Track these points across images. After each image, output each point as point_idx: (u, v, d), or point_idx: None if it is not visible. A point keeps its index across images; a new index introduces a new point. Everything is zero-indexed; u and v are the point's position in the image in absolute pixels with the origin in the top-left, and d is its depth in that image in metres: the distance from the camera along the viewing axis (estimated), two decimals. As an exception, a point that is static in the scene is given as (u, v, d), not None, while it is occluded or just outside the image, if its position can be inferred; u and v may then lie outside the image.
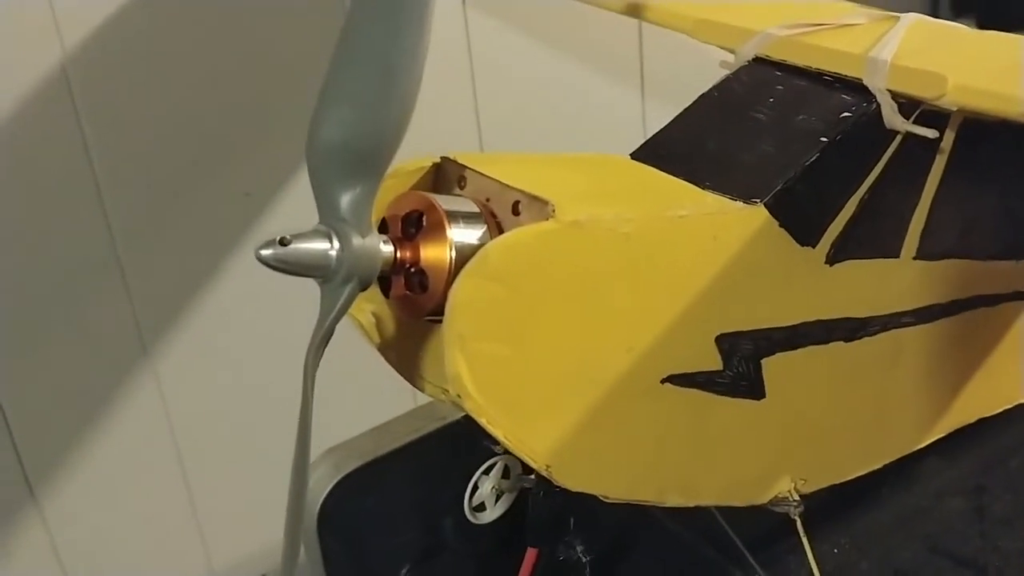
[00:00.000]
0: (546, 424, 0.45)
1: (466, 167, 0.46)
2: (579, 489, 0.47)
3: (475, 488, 0.63)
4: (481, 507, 0.63)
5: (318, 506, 0.73)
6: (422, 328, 0.48)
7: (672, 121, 0.53)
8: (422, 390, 0.50)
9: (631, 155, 0.52)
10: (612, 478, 0.48)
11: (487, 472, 0.63)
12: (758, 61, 0.53)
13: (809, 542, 0.57)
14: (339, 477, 0.73)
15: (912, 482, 0.66)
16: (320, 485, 0.73)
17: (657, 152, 0.51)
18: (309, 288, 0.94)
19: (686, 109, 0.53)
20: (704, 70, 1.09)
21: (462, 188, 0.46)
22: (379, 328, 0.48)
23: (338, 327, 0.44)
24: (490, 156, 0.47)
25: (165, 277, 0.90)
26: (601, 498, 0.49)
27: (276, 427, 0.98)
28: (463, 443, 0.72)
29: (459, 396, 0.42)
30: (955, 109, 0.47)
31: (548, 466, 0.45)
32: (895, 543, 0.63)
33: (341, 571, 0.73)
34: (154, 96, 0.84)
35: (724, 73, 0.54)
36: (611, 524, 0.60)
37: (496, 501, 0.63)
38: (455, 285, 0.41)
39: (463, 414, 0.75)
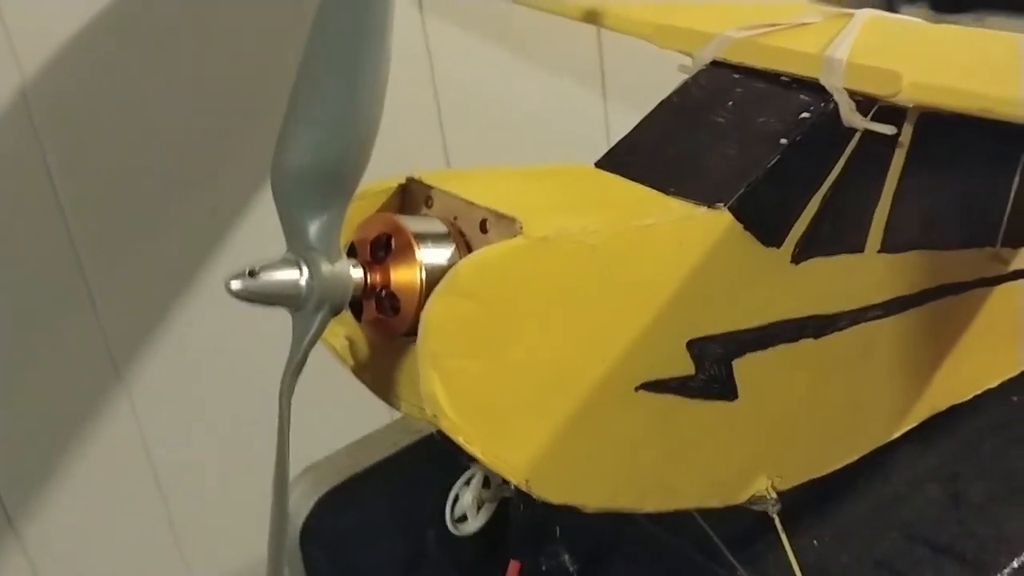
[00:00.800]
0: (522, 438, 0.45)
1: (432, 187, 0.46)
2: (559, 501, 0.48)
3: (456, 499, 0.63)
4: (463, 518, 0.63)
5: (300, 524, 0.73)
6: (395, 348, 0.48)
7: (634, 128, 0.53)
8: (398, 409, 0.50)
9: (596, 164, 0.52)
10: (591, 488, 0.49)
11: (467, 483, 0.63)
12: (716, 64, 0.54)
13: (788, 538, 0.57)
14: (319, 495, 0.73)
15: (887, 472, 0.67)
16: (300, 504, 0.73)
17: (620, 160, 0.52)
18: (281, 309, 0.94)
19: (648, 115, 0.53)
20: (665, 73, 1.10)
21: (429, 207, 0.46)
22: (352, 351, 0.48)
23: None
24: (456, 173, 0.47)
25: (134, 298, 0.89)
26: (581, 508, 0.49)
27: (253, 444, 0.97)
28: (441, 455, 0.72)
29: (435, 416, 0.42)
30: (911, 105, 0.48)
31: (527, 480, 0.46)
32: (873, 534, 0.63)
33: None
34: (116, 117, 0.84)
35: (683, 78, 0.54)
36: (594, 531, 0.60)
37: (478, 511, 0.63)
38: (427, 305, 0.41)
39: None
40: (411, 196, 0.47)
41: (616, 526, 0.63)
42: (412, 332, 0.43)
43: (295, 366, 0.41)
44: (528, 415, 0.45)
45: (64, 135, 0.82)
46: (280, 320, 0.95)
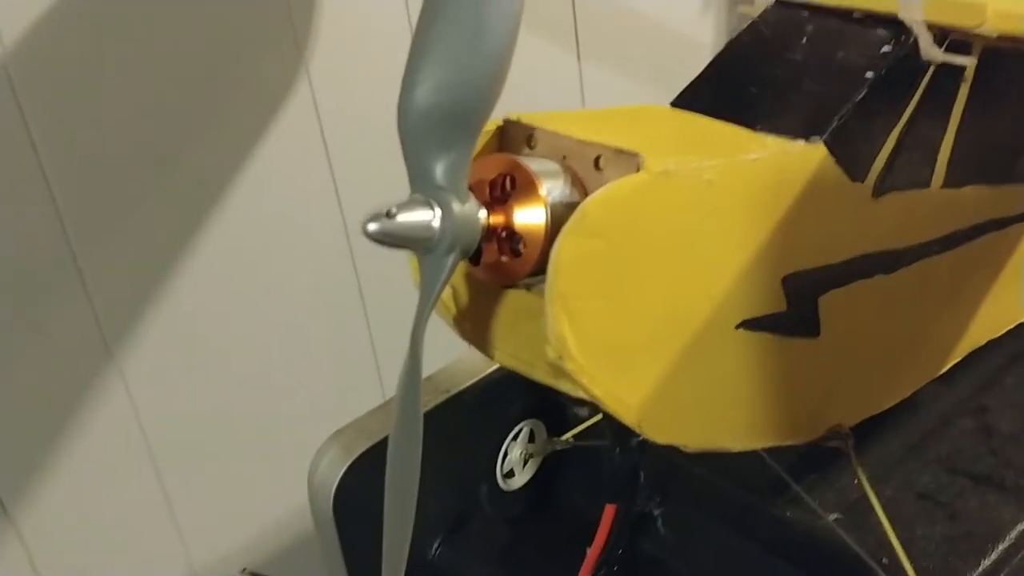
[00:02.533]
0: (638, 379, 0.45)
1: (535, 127, 0.45)
2: (664, 441, 0.48)
3: (504, 455, 0.63)
4: (510, 473, 0.63)
5: (332, 490, 0.71)
6: (495, 296, 0.47)
7: (706, 69, 0.53)
8: (492, 358, 0.49)
9: (671, 103, 0.52)
10: (692, 428, 0.49)
11: (515, 438, 0.63)
12: (781, 4, 0.54)
13: (831, 475, 0.59)
14: (351, 459, 0.71)
15: (915, 410, 0.68)
16: (332, 469, 0.72)
17: (699, 100, 0.51)
18: (272, 274, 0.92)
19: (718, 56, 0.53)
20: (638, 34, 1.10)
21: (532, 148, 0.46)
22: (455, 300, 0.47)
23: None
24: (551, 115, 0.46)
25: (124, 273, 0.87)
26: (681, 448, 0.49)
27: (249, 421, 0.96)
28: (474, 414, 0.72)
29: (560, 357, 0.42)
30: (995, 36, 0.49)
31: (640, 421, 0.45)
32: (912, 468, 0.64)
33: (362, 555, 0.72)
34: (100, 90, 0.81)
35: (748, 19, 0.54)
36: (662, 477, 0.61)
37: (524, 466, 0.63)
38: (557, 245, 0.40)
39: (466, 385, 0.75)
40: (510, 139, 0.46)
41: (676, 472, 0.63)
42: (533, 274, 0.42)
43: (427, 312, 0.40)
44: (643, 355, 0.44)
45: (47, 110, 0.79)
46: (271, 289, 0.94)
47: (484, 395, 0.65)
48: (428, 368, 0.79)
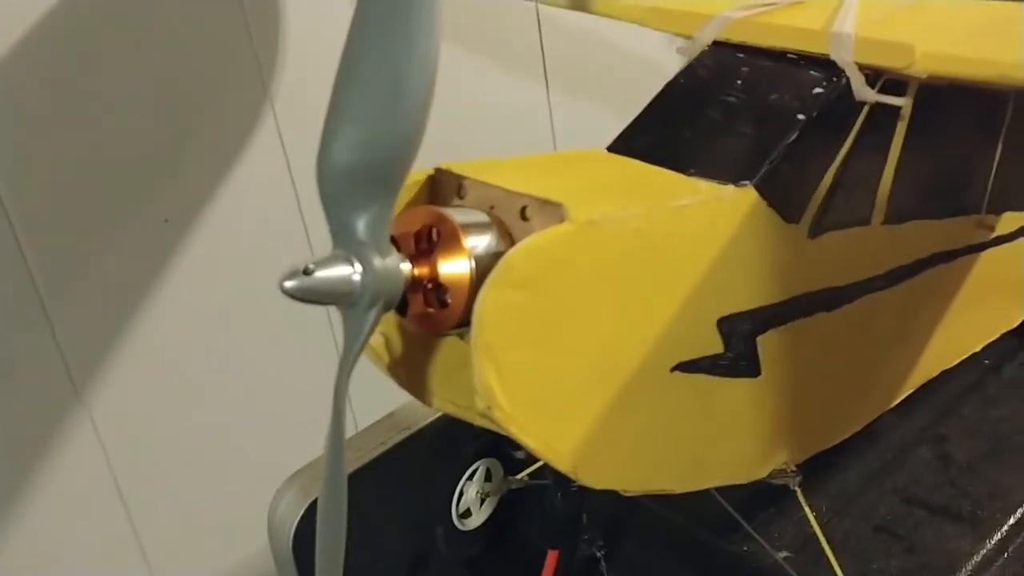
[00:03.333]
0: (570, 426, 0.45)
1: (464, 176, 0.45)
2: (602, 487, 0.48)
3: (460, 494, 0.63)
4: (467, 513, 0.63)
5: (292, 531, 0.71)
6: (429, 344, 0.47)
7: (642, 112, 0.53)
8: (430, 405, 0.49)
9: (608, 148, 0.52)
10: (631, 472, 0.49)
11: (471, 478, 0.63)
12: (718, 45, 0.54)
13: (789, 511, 0.59)
14: (309, 501, 0.71)
15: (874, 439, 0.68)
16: (290, 510, 0.72)
17: (634, 144, 0.52)
18: (238, 312, 0.92)
19: (654, 99, 0.53)
20: (605, 60, 1.11)
21: (462, 198, 0.46)
22: (388, 348, 0.48)
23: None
24: (484, 163, 0.47)
25: (90, 313, 0.87)
26: (621, 493, 0.49)
27: (216, 456, 0.96)
28: (432, 453, 0.72)
29: (488, 407, 0.42)
30: (924, 76, 0.49)
31: (575, 468, 0.45)
32: (870, 500, 0.64)
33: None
34: (63, 131, 0.82)
35: (683, 60, 0.55)
36: (609, 518, 0.61)
37: (481, 505, 0.63)
38: (480, 296, 0.41)
39: (427, 422, 0.75)
40: (440, 188, 0.47)
41: (627, 511, 0.63)
42: (460, 325, 0.43)
43: (349, 365, 0.40)
44: (575, 402, 0.44)
45: (10, 152, 0.79)
46: (239, 326, 0.94)
47: (442, 434, 0.65)
48: (390, 405, 0.80)
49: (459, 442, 0.64)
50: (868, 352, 0.58)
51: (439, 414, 0.77)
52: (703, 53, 0.54)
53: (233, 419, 0.96)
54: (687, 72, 0.54)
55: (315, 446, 0.76)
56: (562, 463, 0.45)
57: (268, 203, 0.94)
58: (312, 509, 0.71)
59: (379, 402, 0.73)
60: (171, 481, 0.93)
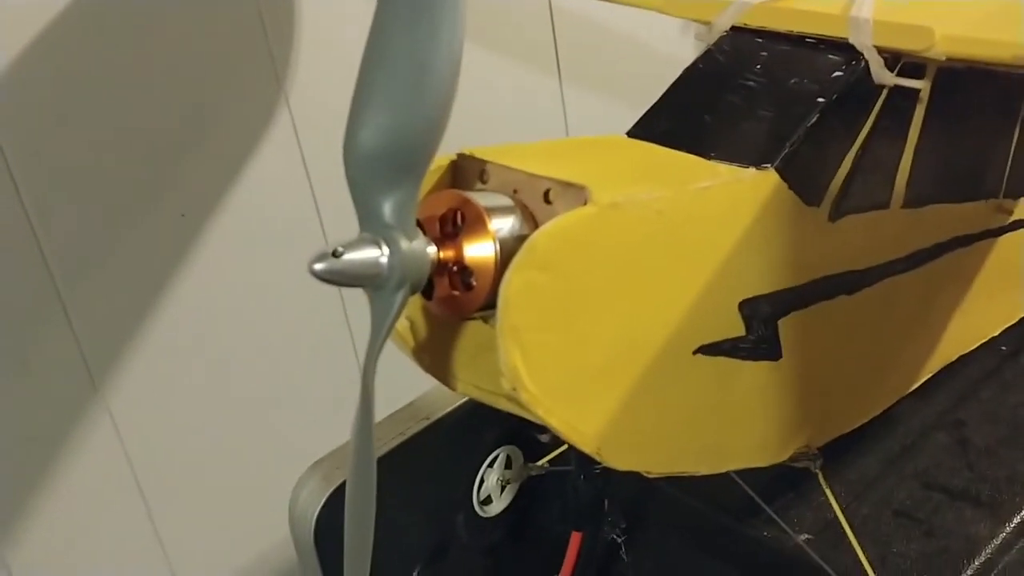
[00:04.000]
0: (594, 407, 0.45)
1: (487, 161, 0.46)
2: (625, 468, 0.48)
3: (481, 481, 0.63)
4: (487, 500, 0.63)
5: (313, 521, 0.72)
6: (454, 328, 0.48)
7: (661, 97, 0.54)
8: (454, 389, 0.50)
9: (627, 133, 0.53)
10: (654, 453, 0.49)
11: (491, 465, 0.63)
12: (736, 30, 0.54)
13: (809, 495, 0.59)
14: (331, 489, 0.72)
15: (893, 424, 0.68)
16: (311, 500, 0.72)
17: (654, 129, 0.52)
18: (255, 306, 0.93)
19: (673, 84, 0.54)
20: (617, 54, 1.11)
21: (484, 183, 0.46)
22: (413, 332, 0.48)
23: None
24: (506, 148, 0.47)
25: (108, 307, 0.87)
26: (644, 474, 0.49)
27: (234, 452, 0.96)
28: (451, 441, 0.72)
29: (515, 388, 0.42)
30: (943, 59, 0.49)
31: (598, 449, 0.46)
32: (889, 484, 0.65)
33: (344, 583, 0.72)
34: (80, 125, 0.82)
35: (700, 47, 0.55)
36: (630, 502, 0.61)
37: (501, 492, 0.64)
38: (506, 279, 0.41)
39: (445, 412, 0.75)
40: (463, 173, 0.47)
41: (647, 496, 0.63)
42: (485, 307, 0.43)
43: (378, 347, 0.41)
44: (599, 384, 0.45)
45: (28, 146, 0.80)
46: (255, 321, 0.94)
47: (461, 422, 0.66)
48: (409, 395, 0.80)
49: (479, 430, 0.65)
50: (888, 336, 0.59)
51: (458, 403, 0.78)
52: (721, 38, 0.54)
53: (251, 411, 0.96)
54: (706, 57, 0.54)
55: (334, 436, 0.77)
56: (586, 444, 0.45)
57: (283, 198, 0.94)
58: (334, 497, 0.72)
59: (395, 393, 0.73)
60: (190, 474, 0.93)
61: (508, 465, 0.65)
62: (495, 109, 1.05)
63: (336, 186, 0.95)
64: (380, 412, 0.81)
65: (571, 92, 1.11)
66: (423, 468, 0.70)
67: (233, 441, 0.96)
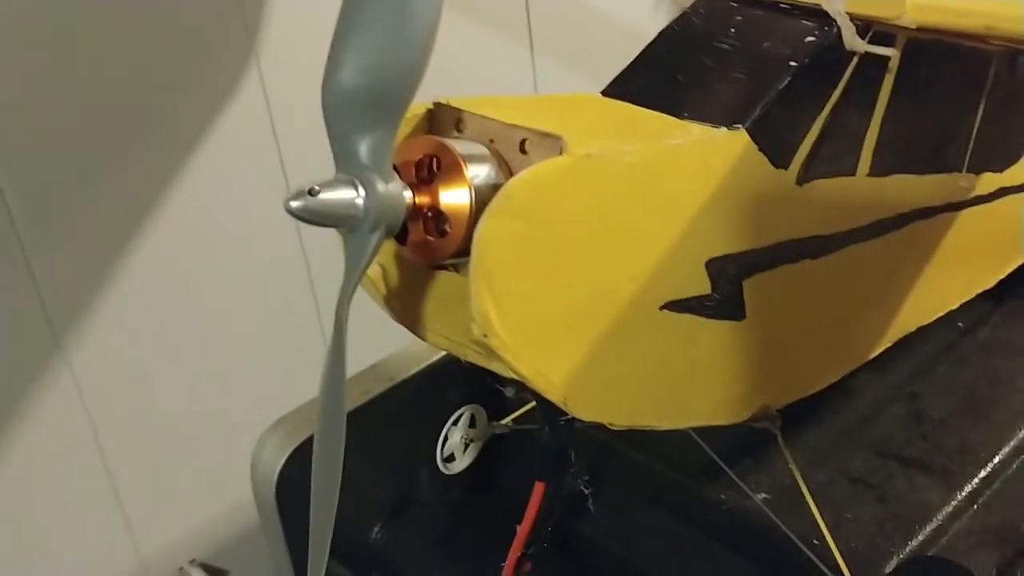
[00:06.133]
0: (562, 357, 0.46)
1: (463, 110, 0.46)
2: (589, 419, 0.49)
3: (445, 439, 0.64)
4: (451, 457, 0.64)
5: (275, 477, 0.72)
6: (425, 277, 0.48)
7: (636, 58, 0.54)
8: (424, 338, 0.50)
9: (602, 92, 0.53)
10: (618, 406, 0.50)
11: (456, 423, 0.64)
12: (712, -7, 0.55)
13: (767, 462, 0.60)
14: (294, 446, 0.72)
15: (849, 396, 0.69)
16: (274, 456, 0.73)
17: (628, 88, 0.52)
18: (219, 264, 0.93)
19: (648, 45, 0.54)
20: (590, 25, 1.11)
21: (460, 132, 0.47)
22: (384, 280, 0.48)
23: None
24: (480, 100, 0.47)
25: (72, 261, 0.87)
26: (608, 426, 0.50)
27: (195, 410, 0.96)
28: (416, 399, 0.73)
29: (485, 335, 0.43)
30: (913, 27, 0.50)
31: (565, 398, 0.46)
32: (845, 453, 0.66)
33: (305, 540, 0.72)
34: (49, 79, 0.81)
35: (678, 9, 0.55)
36: (592, 459, 0.62)
37: (465, 450, 0.64)
38: (480, 225, 0.41)
39: (410, 374, 0.76)
40: (439, 122, 0.47)
41: (606, 453, 0.64)
42: (458, 254, 0.43)
43: (351, 289, 0.41)
44: (568, 334, 0.45)
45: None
46: (220, 282, 0.94)
47: (426, 381, 0.66)
48: (373, 356, 0.81)
49: (444, 388, 0.65)
50: (849, 303, 0.60)
51: (423, 365, 0.78)
52: (697, 2, 0.55)
53: (214, 371, 0.96)
54: (681, 20, 0.54)
55: (296, 396, 0.77)
56: (553, 393, 0.46)
57: (251, 158, 0.94)
58: (296, 454, 0.72)
59: (360, 359, 0.74)
60: (149, 430, 0.93)
61: (472, 424, 0.65)
62: (465, 76, 1.05)
63: (303, 148, 0.95)
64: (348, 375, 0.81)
65: (542, 62, 1.11)
66: (387, 425, 0.70)
67: (194, 398, 0.95)
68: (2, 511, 0.87)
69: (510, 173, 0.44)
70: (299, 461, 0.72)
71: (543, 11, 1.08)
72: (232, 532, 1.01)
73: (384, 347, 0.78)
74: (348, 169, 0.40)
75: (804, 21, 0.51)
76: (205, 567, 0.98)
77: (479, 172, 0.43)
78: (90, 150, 0.85)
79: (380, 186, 0.40)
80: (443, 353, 0.79)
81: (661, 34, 0.54)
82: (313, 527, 0.45)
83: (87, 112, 0.83)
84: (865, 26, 0.52)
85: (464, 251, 0.43)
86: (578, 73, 1.13)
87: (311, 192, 0.39)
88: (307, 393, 0.77)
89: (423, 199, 0.43)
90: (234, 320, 0.96)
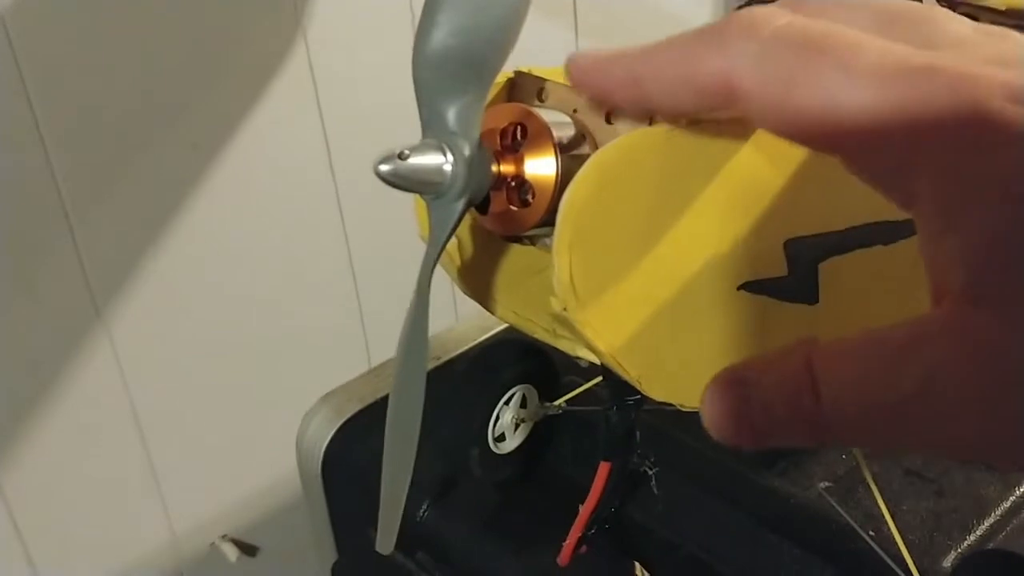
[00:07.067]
0: (638, 335, 0.45)
1: (546, 80, 0.45)
2: (661, 399, 0.48)
3: (496, 418, 0.63)
4: (501, 437, 0.64)
5: (321, 452, 0.71)
6: (498, 250, 0.47)
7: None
8: (493, 312, 0.49)
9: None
10: (690, 387, 0.49)
11: (507, 403, 0.63)
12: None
13: (830, 451, 0.59)
14: (341, 421, 0.72)
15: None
16: (321, 431, 0.72)
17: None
18: (261, 242, 0.92)
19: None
20: (635, 10, 1.11)
21: (542, 101, 0.46)
22: (460, 251, 0.47)
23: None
24: (560, 70, 0.46)
25: (115, 235, 0.87)
26: (678, 407, 0.49)
27: (233, 387, 0.96)
28: (468, 378, 0.72)
29: (566, 308, 0.42)
30: (1003, 9, 0.49)
31: (639, 377, 0.45)
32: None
33: (349, 516, 0.72)
34: (98, 46, 0.81)
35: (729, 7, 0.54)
36: (654, 443, 0.61)
37: (515, 430, 0.64)
38: (567, 196, 0.40)
39: (457, 353, 0.75)
40: (520, 91, 0.46)
41: (660, 439, 0.64)
42: (540, 225, 0.43)
43: (435, 255, 0.40)
44: (646, 312, 0.45)
45: (45, 69, 0.79)
46: (262, 256, 0.94)
47: (476, 361, 0.65)
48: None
49: (497, 368, 0.64)
50: (916, 291, 0.59)
51: (468, 345, 0.78)
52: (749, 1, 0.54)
53: (253, 346, 0.96)
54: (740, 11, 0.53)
55: (339, 374, 0.77)
56: (629, 371, 0.45)
57: (295, 133, 0.94)
58: (342, 430, 0.71)
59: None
60: (187, 408, 0.93)
61: (523, 404, 0.65)
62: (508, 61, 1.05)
63: (348, 122, 0.94)
64: (388, 354, 0.81)
65: (586, 45, 1.11)
66: (435, 405, 0.70)
67: (231, 375, 0.95)
68: (39, 485, 0.87)
69: (595, 144, 0.43)
70: (345, 437, 0.71)
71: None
72: (266, 509, 1.00)
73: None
74: (436, 134, 0.39)
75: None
76: (236, 543, 0.97)
77: (565, 140, 0.42)
78: (135, 124, 0.85)
79: (468, 152, 0.39)
80: (492, 333, 0.78)
81: None
82: (384, 500, 0.44)
83: (132, 86, 0.83)
84: (950, 5, 0.51)
85: (545, 222, 0.42)
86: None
87: (401, 156, 0.38)
88: (346, 371, 0.77)
89: (508, 167, 0.42)
90: (276, 296, 0.96)
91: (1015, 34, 0.28)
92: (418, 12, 0.95)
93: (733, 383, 0.29)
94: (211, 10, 0.86)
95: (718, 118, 0.43)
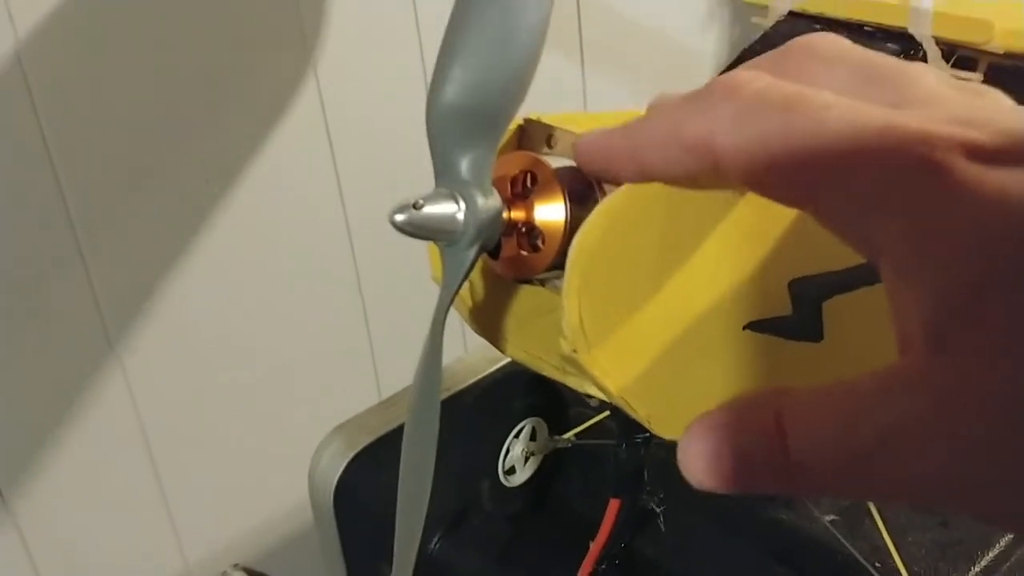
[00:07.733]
0: (647, 375, 0.46)
1: (554, 127, 0.46)
2: (670, 437, 0.48)
3: (507, 451, 0.64)
4: (511, 470, 0.64)
5: (334, 484, 0.72)
6: (508, 291, 0.48)
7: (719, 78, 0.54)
8: (503, 351, 0.50)
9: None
10: (698, 425, 0.50)
11: (517, 435, 0.64)
12: (794, 15, 0.55)
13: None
14: (352, 454, 0.72)
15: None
16: (333, 463, 0.73)
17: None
18: (273, 273, 0.93)
19: (730, 66, 0.54)
20: (641, 42, 1.12)
21: (551, 147, 0.47)
22: (471, 293, 0.48)
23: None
24: (569, 116, 0.48)
25: (127, 266, 0.88)
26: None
27: (245, 417, 0.97)
28: (478, 410, 0.73)
29: (575, 350, 0.43)
30: (1000, 52, 0.50)
31: (648, 416, 0.46)
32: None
33: (361, 548, 0.72)
34: (111, 83, 0.82)
35: (760, 30, 0.55)
36: (660, 479, 0.62)
37: (525, 463, 0.64)
38: (577, 240, 0.41)
39: (465, 385, 0.76)
40: (529, 137, 0.47)
41: (668, 473, 0.64)
42: (552, 268, 0.43)
43: (447, 303, 0.41)
44: (654, 352, 0.45)
45: (58, 102, 0.80)
46: (271, 290, 0.95)
47: (487, 393, 0.66)
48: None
49: (507, 400, 0.65)
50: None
51: (478, 376, 0.79)
52: (779, 23, 0.55)
53: (264, 378, 0.97)
54: (763, 40, 0.55)
55: (350, 406, 0.78)
56: (638, 411, 0.46)
57: (306, 168, 0.95)
58: (355, 462, 0.72)
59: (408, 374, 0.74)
60: (199, 438, 0.94)
61: (533, 437, 0.65)
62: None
63: (358, 156, 0.95)
64: (398, 386, 0.82)
65: (593, 79, 1.12)
66: (445, 437, 0.70)
67: (243, 404, 0.96)
68: (50, 511, 0.88)
69: (603, 191, 0.44)
70: (358, 469, 0.72)
71: (594, 27, 1.09)
72: (278, 539, 1.01)
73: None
74: (449, 184, 0.40)
75: (889, 44, 0.51)
76: (248, 571, 0.98)
77: (575, 187, 0.43)
78: (147, 152, 0.86)
79: (480, 201, 0.40)
80: (501, 364, 0.79)
81: (742, 55, 0.55)
82: (399, 537, 0.45)
83: (144, 120, 0.84)
84: (950, 50, 0.52)
85: (555, 266, 0.43)
86: (628, 87, 1.13)
87: (415, 206, 0.39)
88: (356, 402, 0.77)
89: (518, 214, 0.43)
90: (286, 328, 0.96)
91: (991, 91, 0.29)
92: (426, 41, 0.97)
93: (708, 429, 0.30)
94: (223, 46, 0.88)
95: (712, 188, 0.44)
